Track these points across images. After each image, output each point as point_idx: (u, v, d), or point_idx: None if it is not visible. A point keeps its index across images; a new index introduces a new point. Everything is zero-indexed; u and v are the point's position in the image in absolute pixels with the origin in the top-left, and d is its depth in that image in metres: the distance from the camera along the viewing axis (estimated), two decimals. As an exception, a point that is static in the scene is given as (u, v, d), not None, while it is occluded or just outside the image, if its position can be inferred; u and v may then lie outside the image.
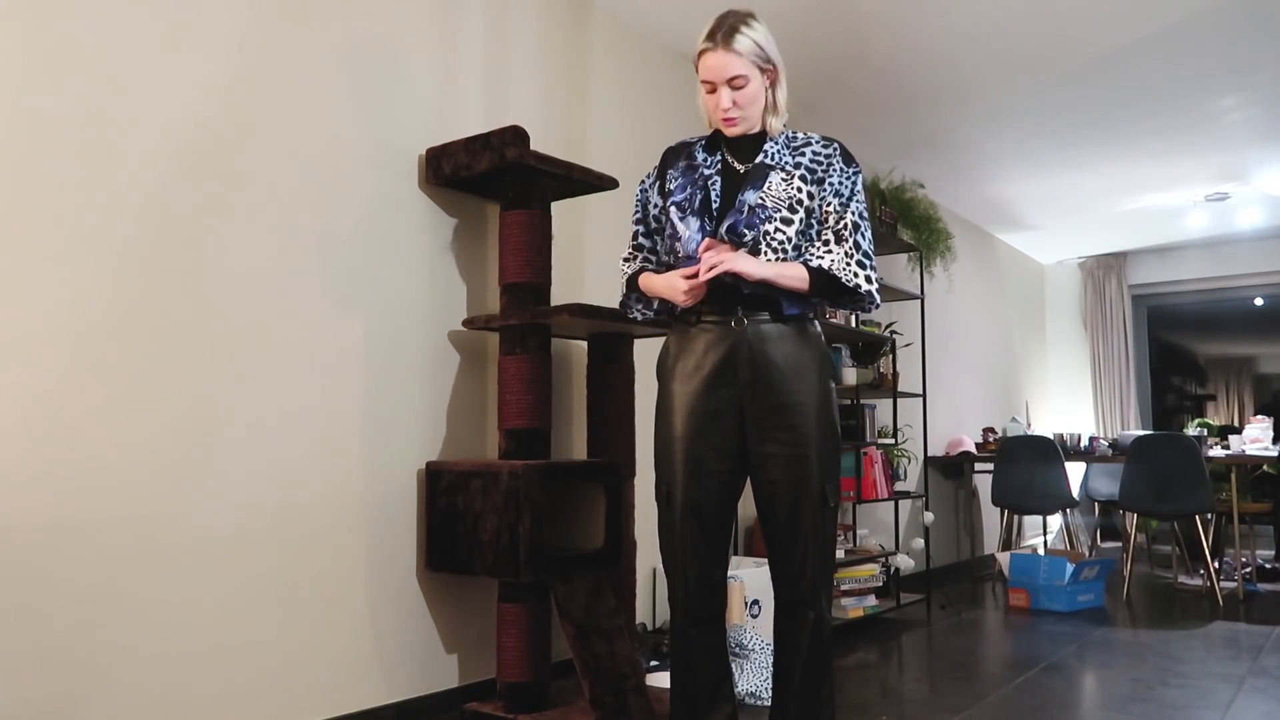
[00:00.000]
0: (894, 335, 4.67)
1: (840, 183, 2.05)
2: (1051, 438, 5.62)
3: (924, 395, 4.79)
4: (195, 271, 2.30)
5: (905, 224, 4.63)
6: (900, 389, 4.66)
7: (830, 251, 2.02)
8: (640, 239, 2.25)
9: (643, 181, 2.26)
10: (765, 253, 1.99)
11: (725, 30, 2.01)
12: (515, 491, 2.50)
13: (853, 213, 2.04)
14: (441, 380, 2.88)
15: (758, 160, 2.06)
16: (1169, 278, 7.63)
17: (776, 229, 1.99)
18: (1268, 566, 5.70)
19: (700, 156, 2.13)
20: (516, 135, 2.65)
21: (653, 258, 2.23)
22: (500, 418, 2.73)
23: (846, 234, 2.03)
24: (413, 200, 2.83)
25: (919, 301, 4.87)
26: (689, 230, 2.05)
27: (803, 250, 2.02)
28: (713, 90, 2.04)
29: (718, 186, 2.07)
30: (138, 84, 2.21)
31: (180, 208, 2.28)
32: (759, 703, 2.93)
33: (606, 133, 3.55)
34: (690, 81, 3.77)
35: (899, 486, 4.70)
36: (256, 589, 2.37)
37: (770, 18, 3.74)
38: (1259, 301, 7.63)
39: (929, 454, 5.27)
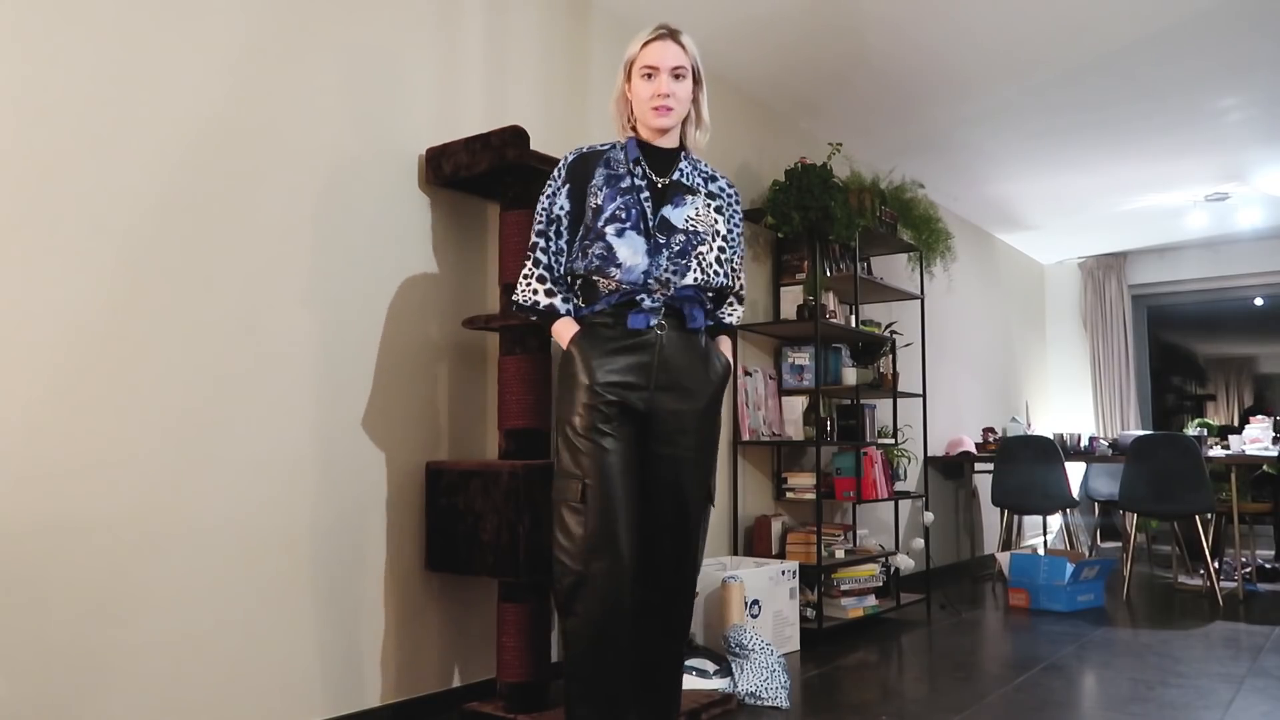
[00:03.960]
0: (894, 335, 4.67)
1: (739, 232, 2.29)
2: (1051, 438, 5.62)
3: (924, 395, 4.79)
4: (194, 271, 2.30)
5: (905, 224, 4.63)
6: (900, 389, 4.66)
7: (732, 304, 2.31)
8: (541, 254, 2.16)
9: (551, 195, 2.18)
10: (695, 272, 2.11)
11: (671, 29, 2.15)
12: (515, 491, 2.50)
13: (742, 263, 2.31)
14: (441, 380, 2.88)
15: (674, 177, 2.17)
16: (1169, 278, 7.63)
17: (708, 250, 2.14)
18: (1268, 566, 5.70)
19: (622, 167, 2.16)
20: (516, 135, 2.65)
21: (549, 275, 2.16)
22: (500, 418, 2.73)
23: (738, 284, 2.29)
24: (413, 200, 2.83)
25: (919, 301, 4.88)
26: (633, 254, 2.06)
27: (720, 273, 2.17)
28: (650, 77, 2.11)
29: (650, 204, 2.12)
30: (138, 84, 2.21)
31: (180, 207, 2.28)
32: (759, 703, 2.93)
33: (606, 133, 3.54)
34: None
35: (899, 486, 4.70)
36: (256, 589, 2.37)
37: (771, 17, 3.77)
38: (1259, 301, 7.63)
39: (929, 454, 5.27)
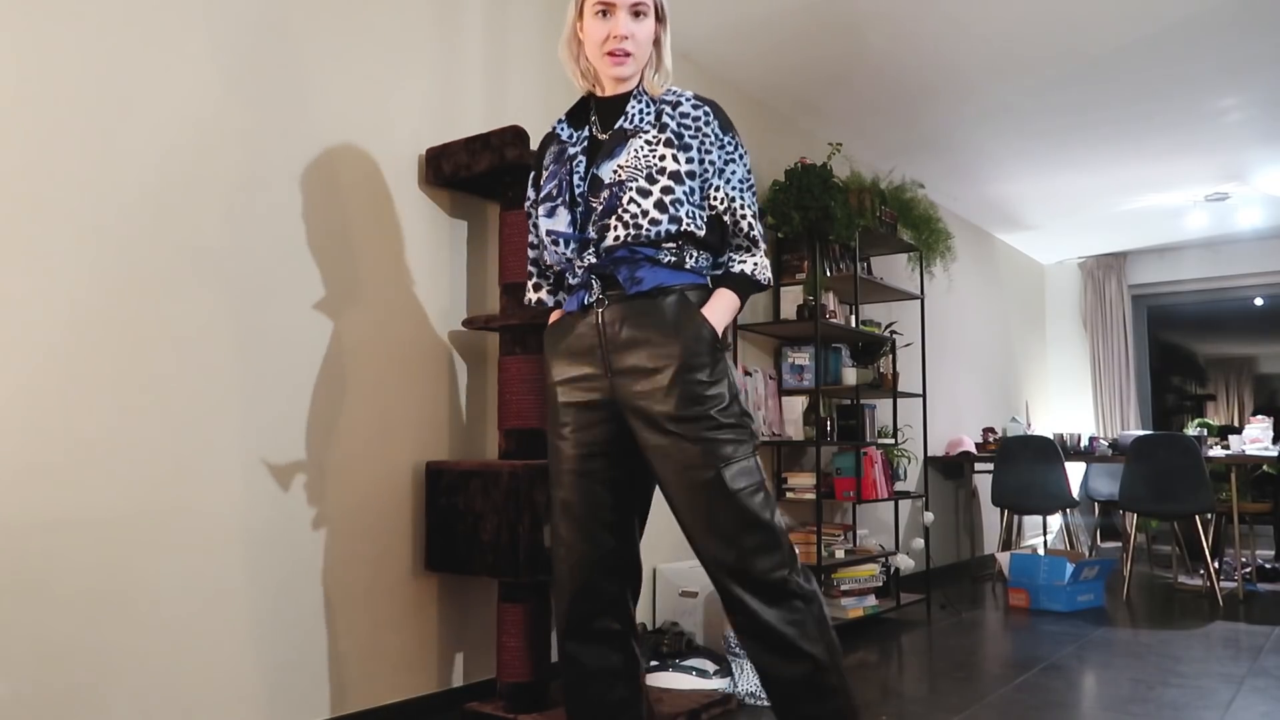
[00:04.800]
0: (894, 335, 4.67)
1: (723, 160, 1.85)
2: (1051, 438, 5.62)
3: (924, 395, 4.79)
4: (194, 270, 2.30)
5: (905, 224, 4.63)
6: (900, 389, 4.66)
7: (743, 248, 1.90)
8: (530, 249, 2.06)
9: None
10: (616, 228, 1.77)
11: None
12: (515, 491, 2.50)
13: (740, 197, 1.87)
14: (441, 380, 2.88)
15: (618, 124, 1.84)
16: (1169, 278, 7.64)
17: (630, 200, 1.77)
18: (1268, 566, 5.70)
19: (566, 133, 1.91)
20: (516, 135, 2.65)
21: (536, 269, 2.06)
22: (500, 418, 2.73)
23: (744, 224, 1.87)
24: (413, 200, 2.83)
25: (919, 301, 4.88)
26: (554, 231, 1.85)
27: (663, 219, 1.77)
28: (605, 14, 1.79)
29: (582, 167, 1.84)
30: (136, 82, 2.21)
31: (179, 206, 2.28)
32: (759, 703, 2.93)
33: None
34: (690, 79, 3.76)
35: (899, 486, 4.70)
36: (256, 588, 2.37)
37: (770, 16, 3.77)
38: (1259, 301, 7.63)
39: (929, 454, 5.27)
